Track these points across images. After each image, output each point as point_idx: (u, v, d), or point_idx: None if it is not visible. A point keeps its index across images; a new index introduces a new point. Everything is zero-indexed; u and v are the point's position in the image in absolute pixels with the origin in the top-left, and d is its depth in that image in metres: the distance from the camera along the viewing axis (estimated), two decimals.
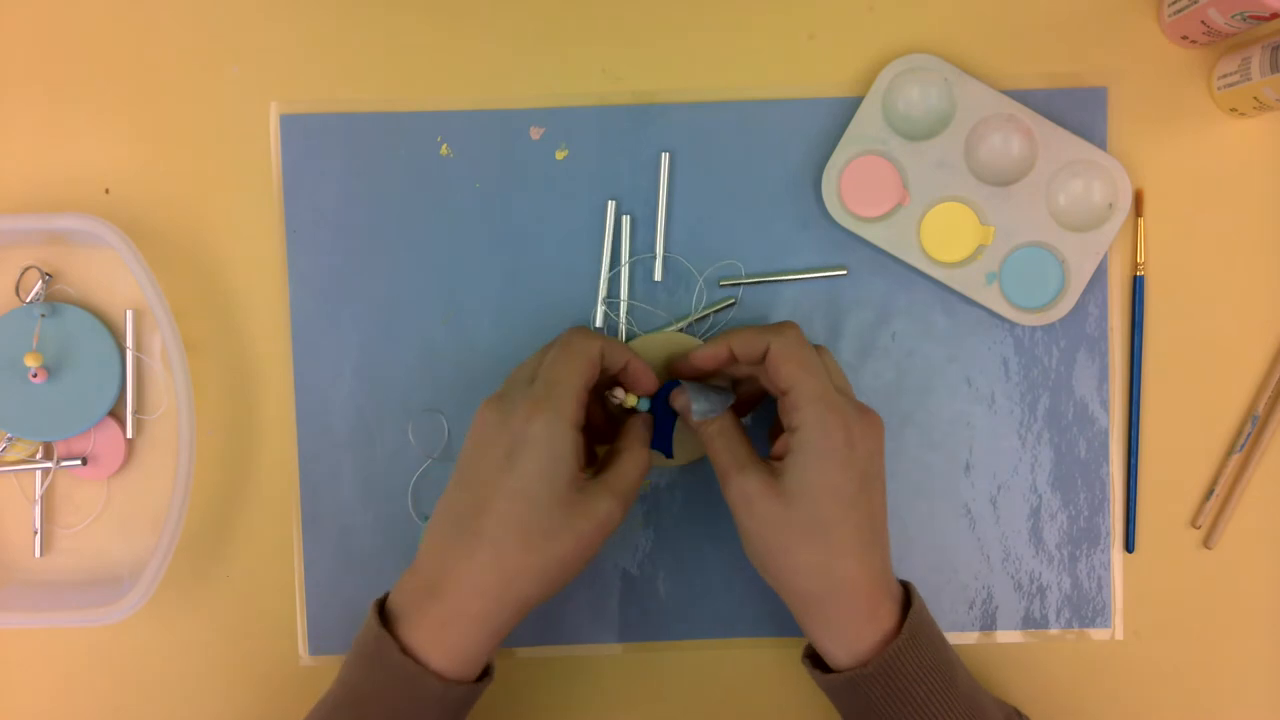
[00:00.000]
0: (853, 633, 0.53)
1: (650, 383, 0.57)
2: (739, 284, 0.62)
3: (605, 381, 0.57)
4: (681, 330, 0.61)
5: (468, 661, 0.52)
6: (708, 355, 0.57)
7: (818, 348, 0.57)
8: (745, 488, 0.53)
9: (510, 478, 0.51)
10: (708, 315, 0.62)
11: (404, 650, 0.51)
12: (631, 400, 0.57)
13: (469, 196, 0.62)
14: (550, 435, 0.51)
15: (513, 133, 0.62)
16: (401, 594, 0.53)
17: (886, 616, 0.53)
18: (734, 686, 0.63)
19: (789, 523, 0.52)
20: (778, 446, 0.55)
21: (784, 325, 0.56)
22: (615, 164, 0.62)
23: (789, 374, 0.53)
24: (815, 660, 0.56)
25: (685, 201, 0.62)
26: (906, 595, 0.55)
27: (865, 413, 0.54)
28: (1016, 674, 0.63)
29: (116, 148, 0.62)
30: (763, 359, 0.55)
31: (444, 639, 0.51)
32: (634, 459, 0.55)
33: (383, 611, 0.53)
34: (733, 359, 0.56)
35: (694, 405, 0.56)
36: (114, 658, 0.63)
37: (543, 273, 0.62)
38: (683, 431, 0.59)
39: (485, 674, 0.54)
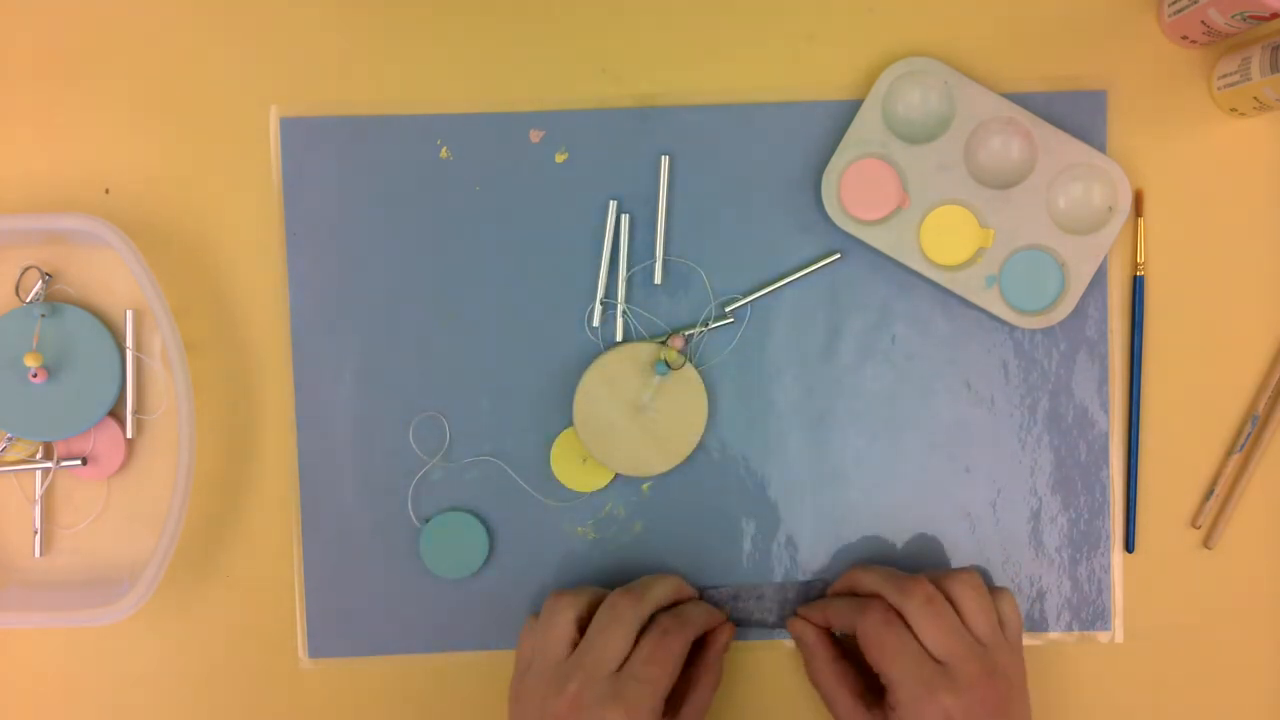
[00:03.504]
0: None
1: (721, 624, 0.60)
2: (741, 304, 0.62)
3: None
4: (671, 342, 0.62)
5: None
6: (808, 631, 0.59)
7: (957, 573, 0.58)
8: None
9: None
10: (703, 329, 0.62)
11: None
12: (677, 355, 0.59)
13: (469, 199, 0.62)
14: None
15: (512, 136, 0.62)
16: None
17: None
18: (726, 687, 0.63)
19: None
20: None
21: (871, 604, 0.56)
22: (615, 167, 0.62)
23: (874, 660, 0.55)
24: None
25: (685, 204, 0.62)
26: None
27: (979, 682, 0.53)
28: None
29: (116, 148, 0.62)
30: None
31: None
32: (708, 683, 0.58)
33: None
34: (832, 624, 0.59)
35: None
36: (114, 658, 0.63)
37: (542, 275, 0.62)
38: (656, 440, 0.60)
39: None
